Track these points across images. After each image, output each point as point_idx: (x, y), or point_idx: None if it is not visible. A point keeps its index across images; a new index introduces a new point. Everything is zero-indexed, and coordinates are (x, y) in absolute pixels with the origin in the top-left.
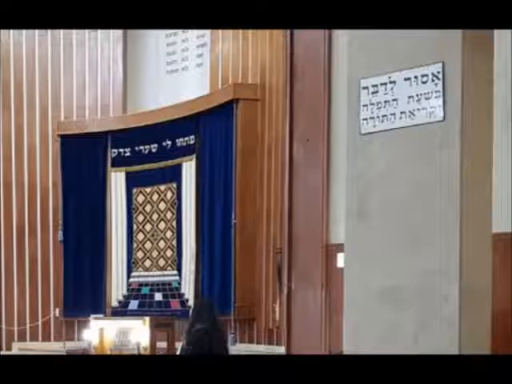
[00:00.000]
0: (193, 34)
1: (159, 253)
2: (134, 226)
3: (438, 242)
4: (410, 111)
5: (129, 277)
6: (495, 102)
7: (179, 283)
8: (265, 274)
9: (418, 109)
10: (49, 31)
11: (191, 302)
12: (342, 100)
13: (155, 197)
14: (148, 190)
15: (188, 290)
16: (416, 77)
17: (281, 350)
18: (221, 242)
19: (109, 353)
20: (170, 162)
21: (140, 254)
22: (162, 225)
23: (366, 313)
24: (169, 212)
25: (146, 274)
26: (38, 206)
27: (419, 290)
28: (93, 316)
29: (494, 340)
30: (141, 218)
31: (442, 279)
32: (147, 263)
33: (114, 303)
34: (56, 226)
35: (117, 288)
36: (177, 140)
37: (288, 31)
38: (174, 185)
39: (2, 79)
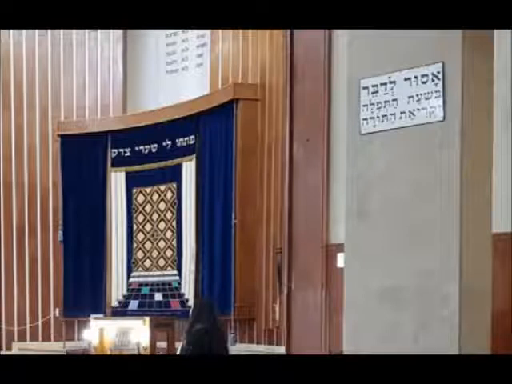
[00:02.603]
0: (193, 34)
1: (159, 253)
2: (134, 226)
3: (438, 242)
4: (410, 111)
5: (129, 277)
6: (495, 101)
7: (179, 283)
8: (265, 274)
9: (418, 109)
10: (49, 31)
11: (191, 302)
12: (342, 100)
13: (155, 197)
14: (148, 189)
15: (188, 290)
16: (416, 77)
17: (281, 350)
18: (221, 242)
19: (109, 353)
20: (170, 162)
21: (140, 254)
22: (162, 225)
23: (366, 313)
24: (169, 212)
25: (145, 274)
26: (38, 206)
27: (419, 290)
28: (93, 316)
29: (494, 340)
30: (141, 217)
31: (442, 279)
32: (147, 263)
33: (114, 303)
34: (56, 226)
35: (117, 288)
36: (177, 140)
37: (288, 31)
38: (174, 185)
39: (2, 79)
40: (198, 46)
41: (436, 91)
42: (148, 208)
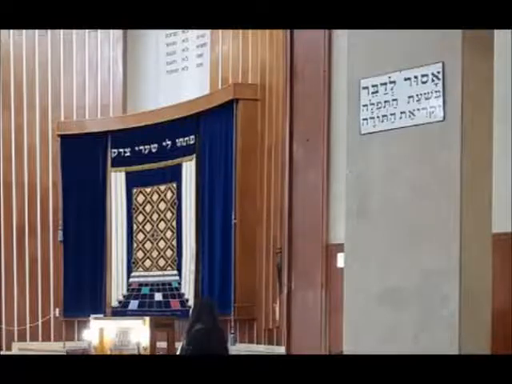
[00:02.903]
0: (193, 34)
1: (159, 253)
2: (134, 226)
3: (438, 242)
4: (410, 111)
5: (129, 277)
6: (495, 101)
7: (179, 283)
8: (265, 274)
9: (418, 109)
10: (49, 31)
11: (191, 302)
12: (342, 100)
13: (155, 197)
14: (148, 190)
15: (188, 290)
16: (416, 77)
17: (281, 350)
18: (221, 242)
19: (109, 353)
20: (170, 162)
21: (140, 254)
22: (162, 225)
23: (366, 313)
24: (169, 212)
25: (145, 274)
26: (38, 206)
27: (419, 290)
28: (93, 316)
29: (494, 340)
30: (141, 217)
31: (442, 279)
32: (147, 263)
33: (114, 303)
34: (56, 226)
35: (117, 288)
36: (177, 140)
37: (288, 31)
38: (174, 185)
39: (2, 79)
40: (198, 46)
41: (436, 91)
42: (148, 208)
